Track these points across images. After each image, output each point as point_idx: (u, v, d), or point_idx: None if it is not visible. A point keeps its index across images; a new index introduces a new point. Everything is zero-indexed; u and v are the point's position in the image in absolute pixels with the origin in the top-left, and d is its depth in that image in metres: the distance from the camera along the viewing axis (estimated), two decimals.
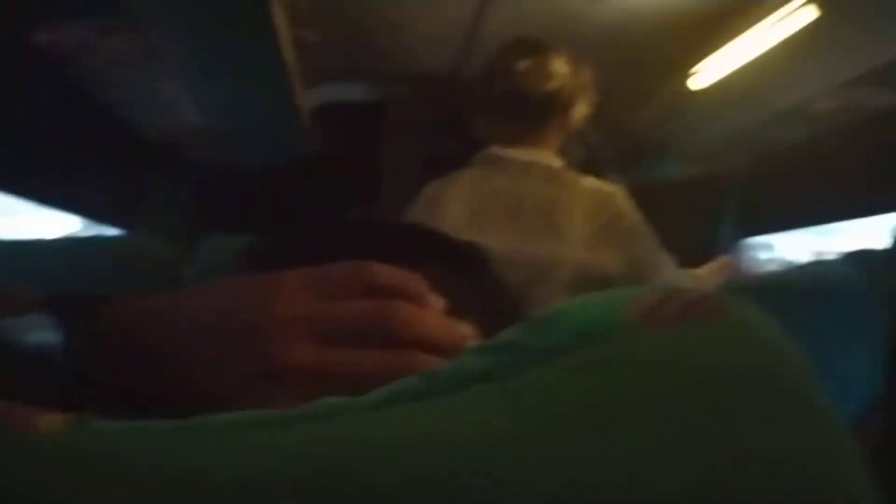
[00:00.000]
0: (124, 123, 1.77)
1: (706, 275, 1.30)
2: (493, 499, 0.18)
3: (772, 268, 2.00)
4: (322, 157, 2.12)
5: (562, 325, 0.23)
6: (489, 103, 1.25)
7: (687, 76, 1.55)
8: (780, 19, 1.20)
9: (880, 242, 1.10)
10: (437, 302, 0.31)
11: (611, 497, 0.18)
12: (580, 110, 1.26)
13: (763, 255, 2.11)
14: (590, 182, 1.17)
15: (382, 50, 1.85)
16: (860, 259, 1.28)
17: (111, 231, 2.03)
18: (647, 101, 1.77)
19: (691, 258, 1.63)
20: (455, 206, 1.16)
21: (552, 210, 1.12)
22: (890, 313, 0.70)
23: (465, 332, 0.31)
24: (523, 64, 1.21)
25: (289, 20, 1.46)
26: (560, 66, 1.21)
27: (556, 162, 1.20)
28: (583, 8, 1.50)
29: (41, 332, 0.31)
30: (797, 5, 1.15)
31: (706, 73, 1.49)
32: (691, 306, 0.23)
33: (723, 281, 1.34)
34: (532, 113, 1.20)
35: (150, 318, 0.30)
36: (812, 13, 1.13)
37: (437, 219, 1.17)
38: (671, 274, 1.18)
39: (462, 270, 0.40)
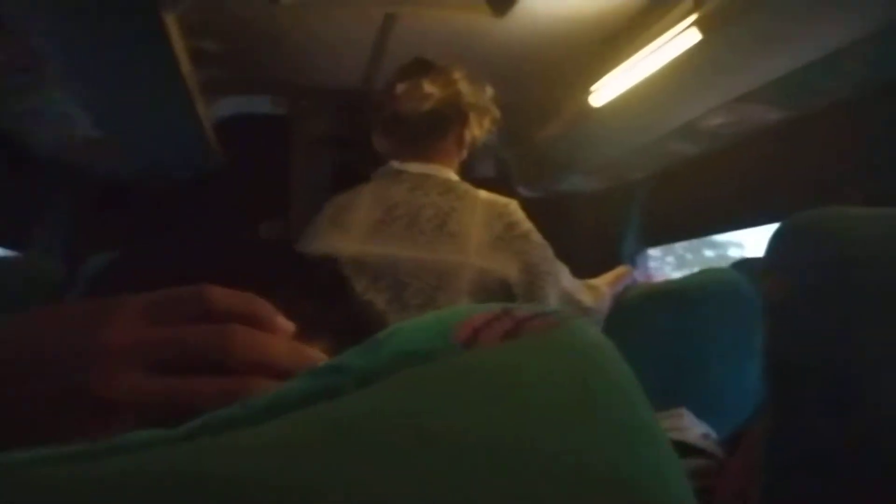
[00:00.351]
0: (13, 137, 1.67)
1: (602, 284, 1.35)
2: None
3: (670, 274, 2.09)
4: (227, 171, 2.07)
5: (389, 347, 0.23)
6: (382, 123, 1.32)
7: (587, 94, 1.60)
8: (667, 41, 1.26)
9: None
10: (285, 324, 0.30)
11: None
12: (477, 127, 1.32)
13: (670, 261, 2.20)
14: (485, 194, 1.24)
15: (289, 63, 1.83)
16: (748, 266, 1.35)
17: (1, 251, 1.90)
18: (551, 117, 1.82)
19: (598, 267, 1.68)
20: (358, 218, 1.21)
21: (449, 220, 1.18)
22: (769, 324, 0.74)
23: (314, 355, 0.30)
24: (401, 87, 1.29)
25: (186, 31, 1.42)
26: (436, 87, 1.27)
27: (452, 175, 1.27)
28: (486, 26, 1.53)
29: None
30: (681, 28, 1.21)
31: (605, 91, 1.55)
32: (522, 323, 0.24)
33: (619, 289, 1.39)
34: (415, 132, 1.27)
35: None
36: (695, 36, 1.19)
37: (341, 230, 1.20)
38: (566, 282, 1.23)
39: (319, 290, 0.40)
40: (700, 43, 1.21)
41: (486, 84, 1.36)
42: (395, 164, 1.27)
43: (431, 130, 1.28)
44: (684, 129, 1.53)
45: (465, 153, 1.34)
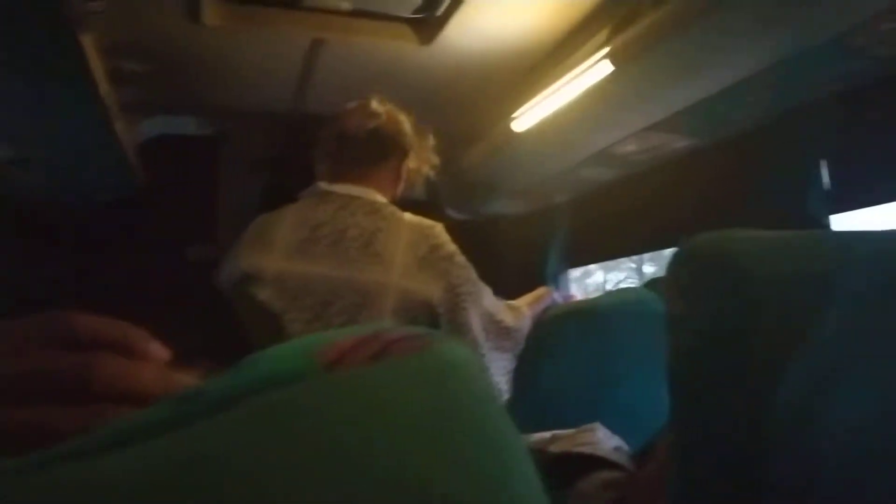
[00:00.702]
0: None
1: (523, 304, 1.40)
2: None
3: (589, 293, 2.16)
4: (152, 193, 2.02)
5: (251, 371, 0.23)
6: (325, 143, 1.35)
7: (510, 120, 1.66)
8: (582, 72, 1.32)
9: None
10: (158, 351, 0.30)
11: None
12: (414, 163, 1.37)
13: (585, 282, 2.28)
14: (410, 217, 1.27)
15: (217, 85, 1.81)
16: (660, 285, 1.42)
17: None
18: (476, 142, 1.86)
19: (524, 287, 1.73)
20: (282, 236, 1.21)
21: (374, 240, 1.20)
22: (671, 343, 0.77)
23: (184, 381, 0.30)
24: (350, 105, 1.35)
25: (105, 51, 1.40)
26: (383, 109, 1.34)
27: (379, 198, 1.29)
28: (412, 53, 1.57)
29: None
30: (595, 60, 1.27)
31: (526, 118, 1.60)
32: (390, 345, 0.24)
33: (540, 309, 1.44)
34: (357, 151, 1.30)
35: None
36: (608, 68, 1.25)
37: (265, 248, 1.21)
38: (487, 303, 1.26)
39: (203, 315, 0.40)
40: (612, 74, 1.27)
41: (429, 131, 1.44)
42: (323, 184, 1.29)
43: (372, 151, 1.31)
44: (600, 155, 1.60)
45: (400, 188, 1.38)
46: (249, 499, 0.19)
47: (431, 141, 1.43)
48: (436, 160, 1.45)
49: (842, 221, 1.45)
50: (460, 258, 1.26)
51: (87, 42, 1.19)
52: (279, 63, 1.64)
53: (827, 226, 1.41)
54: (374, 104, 1.34)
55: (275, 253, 1.19)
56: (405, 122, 1.36)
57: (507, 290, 1.62)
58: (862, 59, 1.10)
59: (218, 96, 1.87)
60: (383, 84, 1.65)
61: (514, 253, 2.34)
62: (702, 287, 0.72)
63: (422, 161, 1.41)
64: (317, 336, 0.25)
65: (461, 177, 2.02)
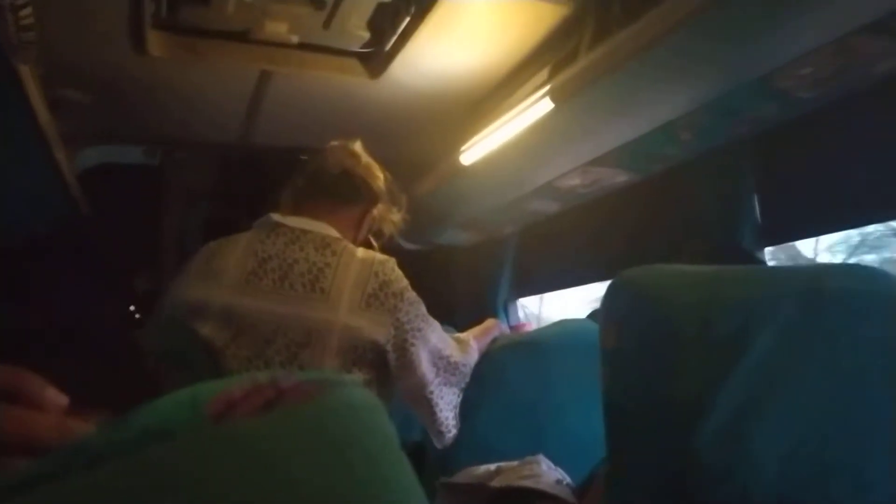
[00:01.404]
0: None
1: (470, 337, 1.40)
2: None
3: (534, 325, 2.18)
4: (94, 223, 1.98)
5: (138, 422, 0.23)
6: (299, 177, 1.33)
7: (458, 153, 1.69)
8: (525, 109, 1.36)
9: None
10: (55, 398, 0.30)
11: None
12: (383, 213, 1.38)
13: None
14: (362, 252, 1.24)
15: (162, 115, 1.80)
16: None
17: None
18: (426, 173, 1.89)
19: (475, 316, 1.74)
20: (230, 267, 1.18)
21: (321, 276, 1.17)
22: (605, 372, 0.79)
23: (81, 429, 0.29)
24: (333, 144, 1.34)
25: (47, 80, 1.38)
26: (364, 156, 1.33)
27: (332, 232, 1.25)
28: (362, 87, 1.59)
29: None
30: (537, 98, 1.31)
31: (473, 151, 1.63)
32: (284, 393, 0.24)
33: (487, 341, 1.45)
34: (327, 186, 1.29)
35: None
36: (548, 105, 1.29)
37: (212, 278, 1.17)
38: (435, 339, 1.26)
39: (105, 358, 0.40)
40: (553, 111, 1.31)
41: (403, 203, 1.43)
42: (276, 216, 1.25)
43: (341, 190, 1.29)
44: (545, 188, 1.64)
45: (360, 236, 1.36)
46: None
47: (403, 205, 1.43)
48: (399, 223, 1.43)
49: (774, 254, 1.51)
50: (410, 294, 1.24)
51: (25, 72, 1.17)
52: (226, 94, 1.64)
53: (761, 258, 1.47)
54: (357, 147, 1.34)
55: (222, 285, 1.16)
56: (381, 178, 1.35)
57: (457, 318, 1.63)
58: (786, 100, 1.16)
59: (163, 126, 1.85)
60: (332, 117, 1.66)
61: (464, 282, 2.35)
62: (631, 320, 0.74)
63: (388, 217, 1.40)
64: (209, 384, 0.24)
65: (412, 207, 2.04)
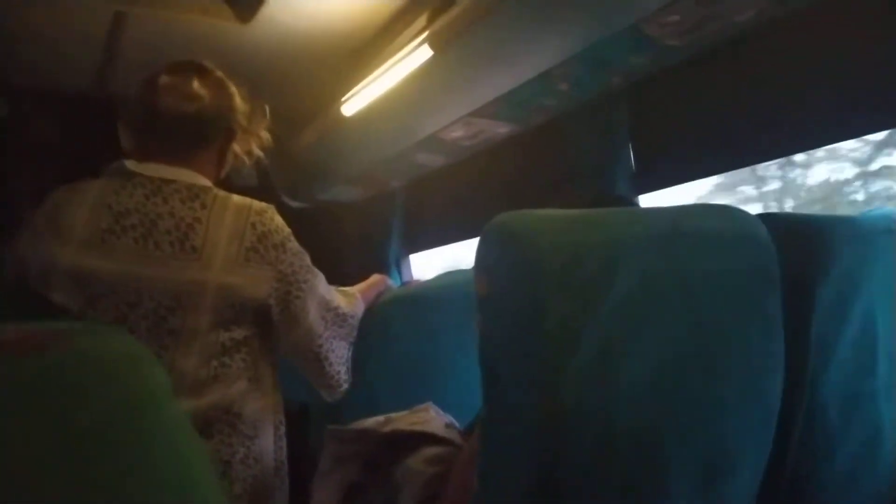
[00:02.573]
0: None
1: (356, 291, 1.37)
2: None
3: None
4: None
5: None
6: (130, 116, 1.16)
7: (339, 103, 1.63)
8: (405, 56, 1.32)
9: None
10: None
11: None
12: (243, 146, 1.23)
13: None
14: (237, 200, 1.13)
15: (8, 60, 1.62)
16: None
17: None
18: (306, 126, 1.81)
19: (365, 275, 1.71)
20: (79, 223, 1.04)
21: (191, 232, 1.06)
22: (481, 321, 0.79)
23: None
24: (165, 80, 1.15)
25: None
26: (208, 91, 1.16)
27: (200, 180, 1.13)
28: (231, 31, 1.49)
29: None
30: (416, 45, 1.27)
31: (355, 102, 1.58)
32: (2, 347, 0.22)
33: (374, 295, 1.43)
34: (172, 134, 1.13)
35: None
36: (427, 52, 1.26)
37: (60, 235, 1.04)
38: (322, 290, 1.21)
39: None
40: (432, 59, 1.28)
41: (266, 105, 1.27)
42: (130, 163, 1.10)
43: (191, 137, 1.13)
44: (429, 140, 1.62)
45: (223, 171, 1.22)
46: None
47: (266, 117, 1.26)
48: (268, 139, 1.28)
49: (649, 201, 1.57)
50: (293, 244, 1.15)
51: None
52: (80, 38, 1.50)
53: (636, 206, 1.52)
54: (196, 84, 1.14)
55: (72, 242, 1.03)
56: (235, 97, 1.19)
57: (348, 279, 1.59)
58: (656, 49, 1.18)
59: (12, 73, 1.67)
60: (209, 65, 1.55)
61: (354, 241, 2.31)
62: (501, 264, 0.74)
63: (252, 141, 1.24)
64: None
65: (293, 162, 1.97)
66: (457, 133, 1.60)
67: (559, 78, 1.30)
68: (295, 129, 1.81)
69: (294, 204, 2.22)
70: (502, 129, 1.57)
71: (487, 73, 1.33)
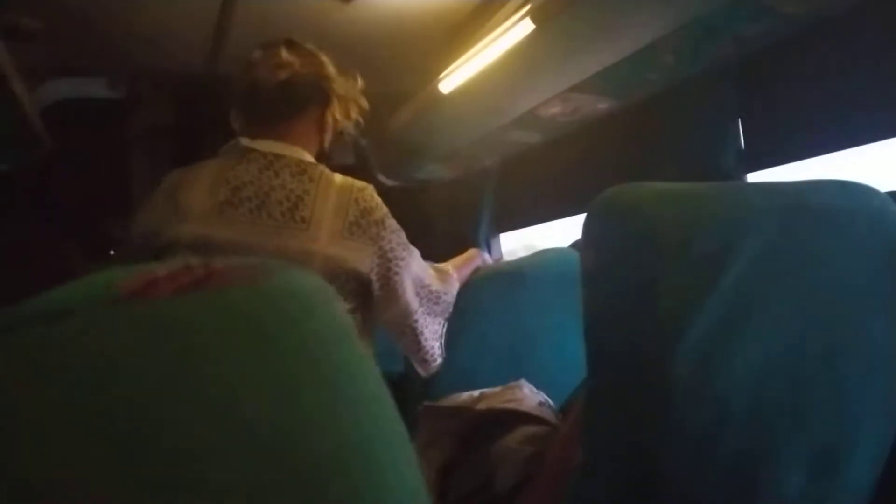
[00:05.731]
0: None
1: (451, 267, 1.39)
2: None
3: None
4: (58, 161, 1.91)
5: (34, 305, 0.22)
6: (238, 96, 1.23)
7: (437, 81, 1.63)
8: (504, 31, 1.30)
9: None
10: None
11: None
12: (341, 113, 1.27)
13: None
14: (340, 178, 1.18)
15: (124, 43, 1.71)
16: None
17: None
18: (403, 104, 1.83)
19: (454, 254, 1.72)
20: (200, 197, 1.11)
21: (300, 204, 1.11)
22: (586, 296, 0.78)
23: None
24: (258, 54, 1.21)
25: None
26: (295, 58, 1.20)
27: (306, 156, 1.19)
28: (333, 11, 1.52)
29: None
30: (516, 19, 1.26)
31: (452, 79, 1.58)
32: (210, 277, 0.23)
33: (469, 271, 1.44)
34: (269, 105, 1.19)
35: None
36: (529, 26, 1.24)
37: (180, 210, 1.10)
38: (417, 267, 1.24)
39: None
40: (533, 33, 1.26)
41: (357, 74, 1.30)
42: (244, 140, 1.17)
43: (286, 104, 1.18)
44: (526, 117, 1.60)
45: (326, 139, 1.27)
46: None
47: (359, 83, 1.30)
48: (365, 104, 1.31)
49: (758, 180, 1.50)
50: (391, 222, 1.19)
51: None
52: (191, 20, 1.56)
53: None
54: (284, 53, 1.19)
55: (192, 215, 1.09)
56: (327, 65, 1.23)
57: (438, 256, 1.60)
58: (772, 17, 1.12)
59: (124, 57, 1.76)
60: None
61: (444, 219, 2.33)
62: (612, 240, 0.73)
63: (350, 107, 1.28)
64: (118, 271, 0.23)
65: (389, 141, 1.99)
66: (554, 109, 1.58)
67: (665, 51, 1.25)
68: (392, 107, 1.83)
69: (389, 182, 2.26)
70: (602, 105, 1.53)
71: (589, 46, 1.30)
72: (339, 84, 1.25)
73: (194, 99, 1.87)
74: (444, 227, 2.30)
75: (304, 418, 0.21)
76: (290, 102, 1.19)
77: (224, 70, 1.75)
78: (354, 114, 1.30)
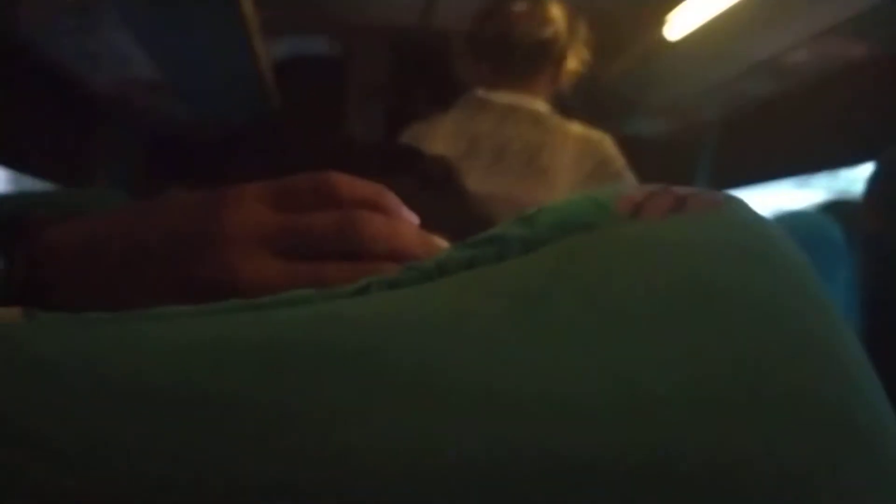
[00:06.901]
0: (72, 77, 1.68)
1: None
2: (457, 376, 0.17)
3: None
4: (284, 117, 2.04)
5: (547, 219, 0.22)
6: (479, 45, 1.23)
7: (660, 27, 1.51)
8: None
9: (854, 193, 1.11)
10: (410, 215, 0.29)
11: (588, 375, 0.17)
12: (573, 63, 1.25)
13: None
14: (577, 128, 1.17)
15: (342, 1, 1.77)
16: (835, 209, 1.29)
17: (45, 185, 1.93)
18: (621, 52, 1.72)
19: None
20: (438, 148, 1.12)
21: (538, 155, 1.12)
22: (865, 259, 0.72)
23: (440, 244, 0.29)
24: (521, 6, 1.20)
25: None
26: (557, 14, 1.20)
27: (541, 107, 1.18)
28: None
29: None
30: None
31: (679, 25, 1.46)
32: (685, 200, 0.23)
33: None
34: (523, 58, 1.18)
35: (92, 242, 0.28)
36: None
37: None
38: None
39: (432, 185, 0.39)
40: None
41: (584, 23, 1.28)
42: (480, 92, 1.18)
43: (538, 59, 1.18)
44: (763, 66, 1.44)
45: (557, 87, 1.25)
46: (567, 334, 0.18)
47: (585, 32, 1.28)
48: (587, 54, 1.29)
49: None
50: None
51: None
52: None
53: None
54: (554, 10, 1.19)
55: None
56: (581, 27, 1.24)
57: None
58: None
59: (340, 12, 1.82)
60: None
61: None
62: None
63: (579, 57, 1.26)
64: (601, 191, 0.23)
65: (600, 92, 1.89)
66: (799, 56, 1.40)
67: None
68: (609, 56, 1.73)
69: None
70: (858, 52, 1.33)
71: None
72: (573, 35, 1.23)
73: (410, 55, 1.90)
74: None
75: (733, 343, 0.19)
76: (545, 60, 1.19)
77: (437, 25, 1.75)
78: (579, 66, 1.27)
